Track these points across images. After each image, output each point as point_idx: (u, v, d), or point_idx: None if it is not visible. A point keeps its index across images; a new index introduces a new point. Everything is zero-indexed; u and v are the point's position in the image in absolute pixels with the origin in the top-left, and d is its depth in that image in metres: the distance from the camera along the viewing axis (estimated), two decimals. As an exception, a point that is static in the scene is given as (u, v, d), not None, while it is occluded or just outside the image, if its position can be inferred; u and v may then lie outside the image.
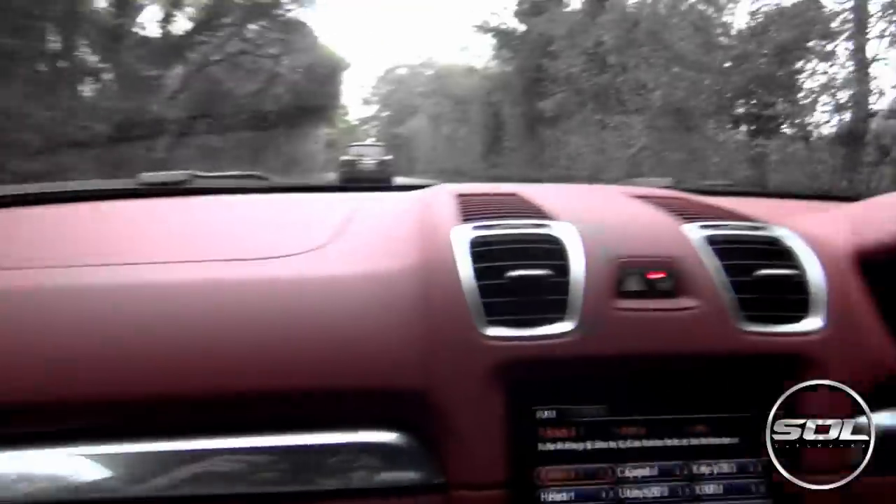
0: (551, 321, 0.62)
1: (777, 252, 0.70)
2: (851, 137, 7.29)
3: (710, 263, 0.66)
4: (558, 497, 0.60)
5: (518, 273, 0.62)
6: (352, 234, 0.78)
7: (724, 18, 9.65)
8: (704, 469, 0.62)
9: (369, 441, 0.61)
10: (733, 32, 9.46)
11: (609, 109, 11.67)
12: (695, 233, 0.70)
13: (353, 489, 0.60)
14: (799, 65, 8.31)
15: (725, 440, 0.62)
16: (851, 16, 7.77)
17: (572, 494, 0.60)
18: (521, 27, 17.13)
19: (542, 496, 0.60)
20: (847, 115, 7.70)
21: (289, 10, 17.65)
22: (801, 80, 8.32)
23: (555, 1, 15.33)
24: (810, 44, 8.14)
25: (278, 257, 0.71)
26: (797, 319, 0.65)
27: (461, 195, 0.86)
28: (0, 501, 0.56)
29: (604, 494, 0.60)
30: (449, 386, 0.60)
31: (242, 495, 0.59)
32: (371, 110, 42.62)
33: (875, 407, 0.62)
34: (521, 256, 0.65)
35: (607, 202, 0.92)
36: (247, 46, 16.82)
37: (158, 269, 0.69)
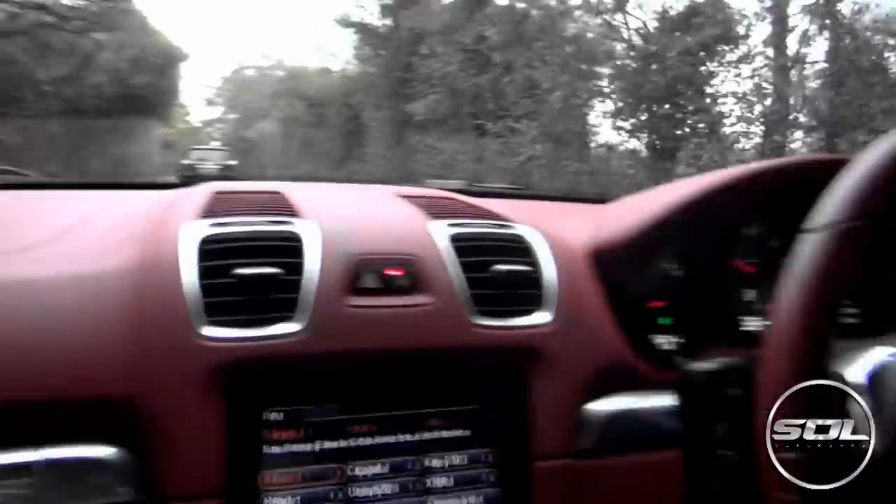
0: (281, 320, 0.62)
1: (517, 249, 0.75)
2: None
3: (450, 260, 0.70)
4: (283, 501, 0.60)
5: (245, 271, 0.62)
6: (78, 235, 0.75)
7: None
8: (436, 462, 0.65)
9: (76, 457, 0.57)
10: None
11: (490, 113, 10.84)
12: (440, 231, 0.74)
13: None
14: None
15: (458, 433, 0.66)
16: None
17: (298, 498, 0.60)
18: (387, 21, 16.49)
19: (266, 501, 0.59)
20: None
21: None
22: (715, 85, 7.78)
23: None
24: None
25: None
26: (529, 313, 0.70)
27: (220, 192, 0.84)
28: None
29: (332, 495, 0.61)
30: (161, 392, 0.59)
31: None
32: (216, 112, 39.55)
33: (605, 392, 0.71)
34: (253, 254, 0.64)
35: (366, 201, 0.92)
36: (50, 18, 13.90)
37: None
